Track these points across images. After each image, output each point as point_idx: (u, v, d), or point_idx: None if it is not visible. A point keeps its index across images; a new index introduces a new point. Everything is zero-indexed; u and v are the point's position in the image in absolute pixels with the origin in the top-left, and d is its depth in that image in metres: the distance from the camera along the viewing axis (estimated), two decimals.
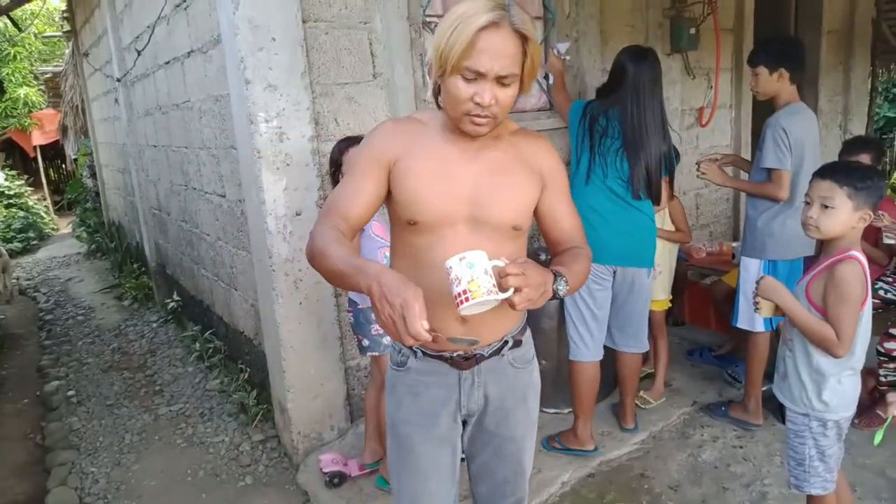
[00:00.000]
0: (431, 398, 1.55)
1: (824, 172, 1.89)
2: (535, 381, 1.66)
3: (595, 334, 2.82)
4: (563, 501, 2.66)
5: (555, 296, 1.30)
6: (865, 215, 1.83)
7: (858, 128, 6.20)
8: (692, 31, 4.25)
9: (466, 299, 1.21)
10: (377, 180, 1.46)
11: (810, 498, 2.03)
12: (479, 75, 1.30)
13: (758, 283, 1.96)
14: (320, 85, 2.91)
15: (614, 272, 2.81)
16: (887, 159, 8.21)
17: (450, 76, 1.32)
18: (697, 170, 3.13)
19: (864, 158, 3.11)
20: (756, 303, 1.96)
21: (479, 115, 1.33)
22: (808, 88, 5.72)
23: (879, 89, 9.66)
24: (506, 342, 1.54)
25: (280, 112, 2.73)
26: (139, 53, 4.62)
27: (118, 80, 5.40)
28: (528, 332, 1.64)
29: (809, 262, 2.97)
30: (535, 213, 1.53)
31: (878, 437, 1.66)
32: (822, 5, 5.52)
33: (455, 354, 1.50)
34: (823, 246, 1.94)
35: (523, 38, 1.32)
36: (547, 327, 3.12)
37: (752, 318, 3.00)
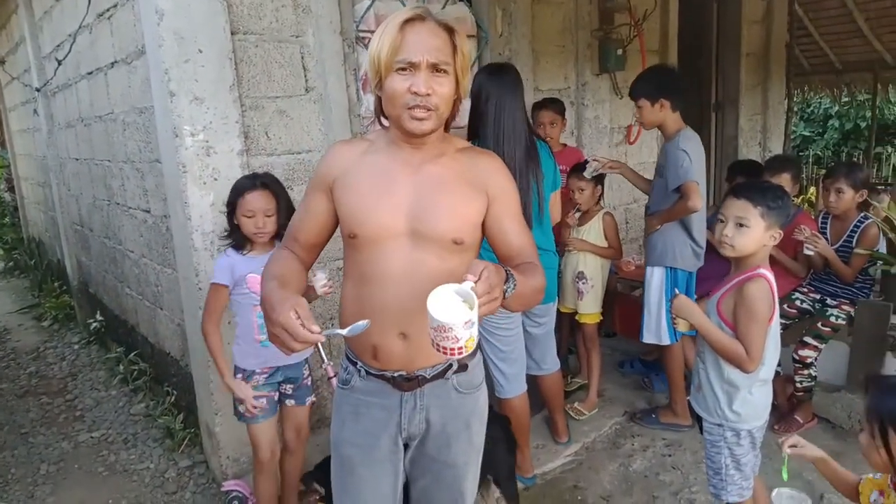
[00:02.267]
0: (373, 419, 1.54)
1: (739, 192, 1.95)
2: (481, 407, 1.62)
3: (516, 370, 2.77)
4: None
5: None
6: (776, 233, 1.91)
7: (777, 146, 6.54)
8: (619, 52, 4.40)
9: (456, 351, 1.16)
10: (321, 202, 1.51)
11: None
12: (412, 66, 1.32)
13: (672, 301, 2.01)
14: (250, 98, 2.85)
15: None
16: (804, 175, 8.68)
17: (386, 78, 1.35)
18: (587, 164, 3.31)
19: (786, 176, 3.28)
20: (673, 319, 2.02)
21: (418, 107, 1.33)
22: (729, 108, 6.01)
23: (795, 109, 10.27)
24: (450, 365, 1.51)
25: (207, 125, 2.66)
26: (60, 63, 4.43)
27: (37, 90, 5.15)
28: (478, 357, 1.61)
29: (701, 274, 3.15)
30: (484, 230, 1.51)
31: (784, 475, 1.72)
32: (740, 29, 5.82)
33: (397, 374, 1.48)
34: (734, 263, 2.00)
35: (449, 31, 1.37)
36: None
37: (657, 332, 3.10)
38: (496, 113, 2.60)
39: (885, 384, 1.48)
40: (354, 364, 1.57)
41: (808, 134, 11.00)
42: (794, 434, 1.75)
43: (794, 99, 9.06)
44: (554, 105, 3.57)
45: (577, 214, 3.40)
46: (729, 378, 1.97)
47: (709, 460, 2.08)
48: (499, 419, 2.62)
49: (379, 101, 1.44)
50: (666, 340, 3.12)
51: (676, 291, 2.04)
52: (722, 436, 2.01)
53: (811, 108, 11.12)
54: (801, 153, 10.61)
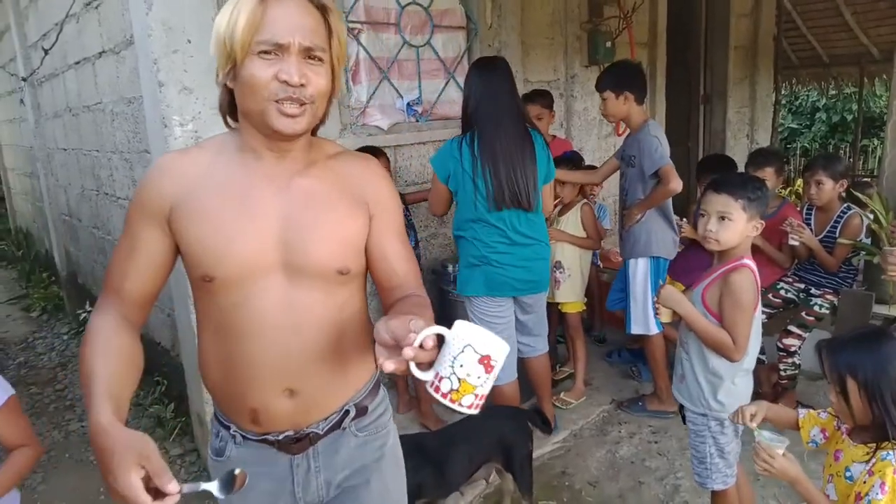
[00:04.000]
0: (261, 494, 1.25)
1: (719, 187, 1.94)
2: (391, 448, 1.36)
3: (509, 358, 2.83)
4: (488, 501, 2.71)
5: None
6: (758, 224, 1.94)
7: (764, 138, 6.60)
8: (608, 44, 4.43)
9: (476, 404, 0.91)
10: (154, 238, 1.15)
11: (714, 492, 2.13)
12: (279, 48, 1.04)
13: (658, 291, 2.03)
14: None
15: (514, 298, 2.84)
16: (790, 167, 8.77)
17: (243, 64, 1.05)
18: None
19: (769, 170, 3.32)
20: (657, 309, 2.04)
21: (290, 100, 1.05)
22: (717, 101, 6.06)
23: (783, 102, 10.34)
24: (346, 412, 1.25)
25: (196, 115, 2.66)
26: (46, 52, 4.39)
27: (24, 80, 5.11)
28: (381, 392, 1.35)
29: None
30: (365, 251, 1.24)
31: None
32: (728, 23, 5.86)
33: (283, 437, 1.21)
34: (717, 255, 2.01)
35: (323, 9, 1.10)
36: None
37: (645, 323, 3.16)
38: (486, 105, 2.61)
39: (836, 343, 1.54)
40: (227, 428, 1.25)
41: (795, 126, 11.08)
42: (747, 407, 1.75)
43: (782, 92, 9.14)
44: (541, 98, 3.58)
45: (558, 207, 3.44)
46: (713, 368, 1.99)
47: (693, 449, 2.11)
48: (517, 412, 2.66)
49: (227, 94, 1.14)
50: (654, 330, 3.17)
51: (661, 282, 2.05)
52: (706, 425, 2.04)
53: (799, 100, 11.19)
54: (788, 146, 10.69)
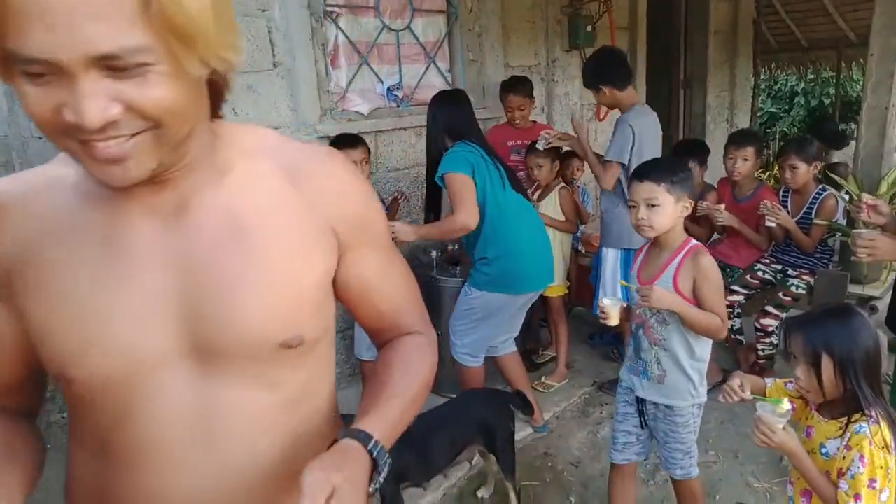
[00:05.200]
0: None
1: (640, 175, 1.95)
2: None
3: (482, 352, 2.91)
4: (472, 482, 2.74)
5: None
6: (687, 204, 1.93)
7: (744, 122, 6.65)
8: (589, 28, 4.43)
9: None
10: None
11: (684, 482, 2.13)
12: (52, 68, 0.59)
13: (643, 295, 1.91)
14: None
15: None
16: (770, 151, 8.84)
17: (6, 78, 0.62)
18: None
19: (750, 150, 3.36)
20: (604, 313, 2.03)
21: (100, 140, 0.62)
22: (697, 85, 6.09)
23: (763, 86, 10.41)
24: None
25: None
26: None
27: None
28: None
29: None
30: (337, 292, 0.88)
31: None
32: (708, 7, 5.88)
33: None
34: (657, 244, 2.00)
35: None
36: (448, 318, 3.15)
37: None
38: (459, 123, 2.76)
39: (807, 320, 1.54)
40: None
41: (775, 111, 11.15)
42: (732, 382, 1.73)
43: (762, 76, 9.20)
44: (521, 87, 3.57)
45: (538, 192, 3.45)
46: (700, 355, 2.00)
47: (679, 444, 2.07)
48: (498, 394, 2.69)
49: None
50: (706, 279, 3.22)
51: (648, 287, 1.92)
52: (692, 414, 2.04)
53: (778, 85, 11.26)
54: (768, 130, 10.76)
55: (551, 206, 3.49)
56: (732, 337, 3.36)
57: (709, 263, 1.92)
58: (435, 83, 3.69)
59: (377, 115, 3.48)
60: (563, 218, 3.47)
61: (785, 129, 11.05)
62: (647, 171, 1.94)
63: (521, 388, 3.06)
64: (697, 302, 1.93)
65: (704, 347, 2.01)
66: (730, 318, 3.30)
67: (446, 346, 3.19)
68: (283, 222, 0.78)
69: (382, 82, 3.49)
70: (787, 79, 10.85)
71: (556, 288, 3.49)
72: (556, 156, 3.55)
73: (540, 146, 3.35)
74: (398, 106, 3.57)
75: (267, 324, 0.76)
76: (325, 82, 3.25)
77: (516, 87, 3.56)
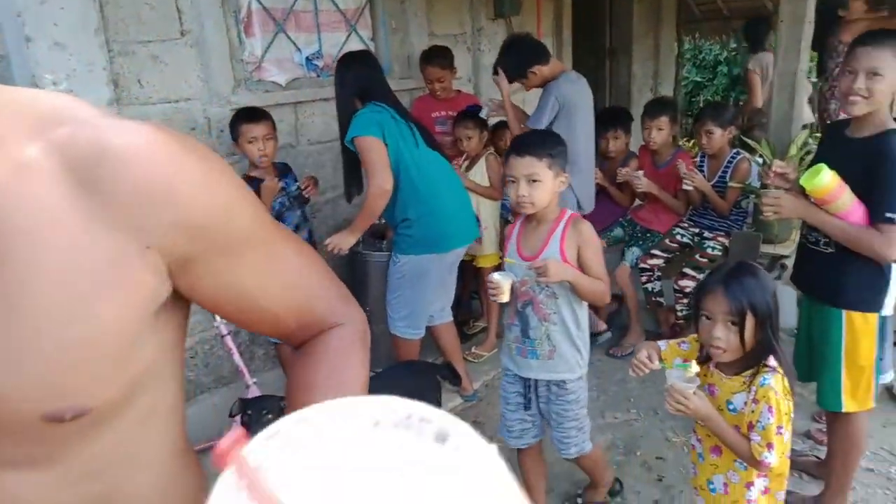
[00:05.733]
0: None
1: (520, 150, 1.90)
2: None
3: (425, 314, 2.90)
4: None
5: None
6: (563, 178, 1.93)
7: (668, 91, 6.80)
8: None
9: None
10: None
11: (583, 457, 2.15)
12: None
13: (539, 270, 1.86)
14: (119, 43, 2.66)
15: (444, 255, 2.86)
16: (691, 118, 9.09)
17: None
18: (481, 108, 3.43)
19: (664, 119, 3.44)
20: (495, 289, 1.94)
21: None
22: (622, 54, 6.17)
23: (687, 56, 10.65)
24: None
25: (70, 73, 2.47)
26: None
27: None
28: None
29: None
30: (207, 308, 0.69)
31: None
32: None
33: None
34: (535, 215, 1.96)
35: None
36: (377, 292, 3.12)
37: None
38: (370, 83, 2.74)
39: (725, 279, 1.55)
40: None
41: (699, 80, 11.45)
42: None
43: (686, 45, 9.39)
44: (439, 59, 3.52)
45: (465, 163, 3.44)
46: (583, 325, 2.02)
47: (573, 421, 2.05)
48: (424, 366, 2.68)
49: None
50: (590, 246, 3.30)
51: (541, 260, 1.88)
52: (581, 387, 2.05)
53: (702, 54, 11.55)
54: (693, 99, 11.05)
55: (479, 173, 3.48)
56: (653, 299, 3.46)
57: (590, 230, 1.96)
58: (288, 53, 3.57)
59: (296, 86, 3.37)
60: (489, 185, 3.47)
61: (709, 97, 11.36)
62: (527, 146, 1.90)
63: (454, 357, 3.07)
64: (582, 269, 1.93)
65: (585, 316, 2.04)
66: (650, 282, 3.42)
67: (376, 322, 3.17)
68: (57, 245, 0.53)
69: (300, 51, 3.37)
70: (711, 48, 11.14)
71: (489, 257, 3.51)
72: (485, 127, 3.54)
73: (484, 114, 3.35)
74: (318, 76, 3.46)
75: (16, 392, 0.53)
76: (238, 51, 3.12)
77: (434, 58, 3.51)
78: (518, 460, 2.20)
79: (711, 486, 1.65)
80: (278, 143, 2.97)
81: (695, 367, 1.55)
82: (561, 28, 5.07)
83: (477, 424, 2.90)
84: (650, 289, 3.45)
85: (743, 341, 1.52)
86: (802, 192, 2.01)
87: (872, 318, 2.04)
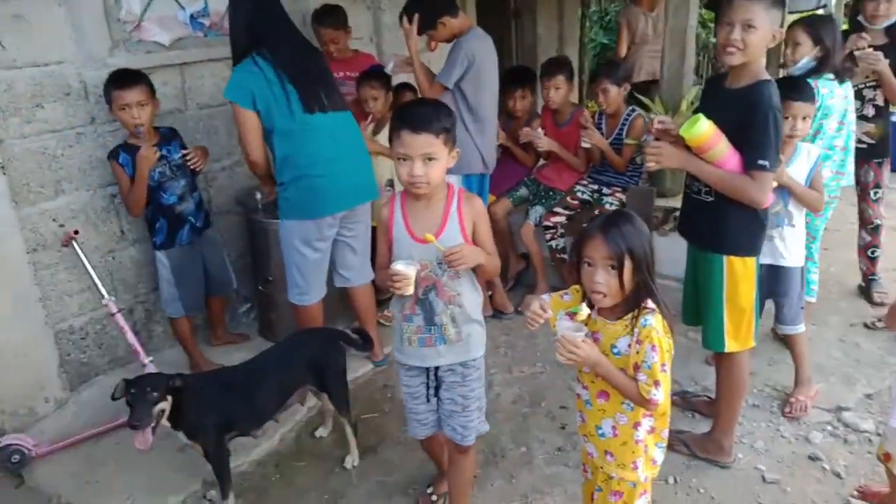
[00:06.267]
0: None
1: (415, 125, 1.71)
2: None
3: (317, 280, 2.82)
4: (311, 424, 2.71)
5: None
6: (455, 152, 1.82)
7: (573, 53, 6.87)
8: None
9: None
10: None
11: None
12: None
13: (455, 257, 1.74)
14: None
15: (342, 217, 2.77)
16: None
17: None
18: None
19: (560, 78, 3.48)
20: (399, 281, 1.74)
21: None
22: (527, 15, 6.19)
23: (594, 18, 10.80)
24: None
25: None
26: None
27: None
28: None
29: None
30: None
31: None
32: None
33: None
34: (425, 198, 1.81)
35: None
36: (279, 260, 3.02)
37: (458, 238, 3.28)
38: (262, 20, 2.56)
39: (603, 226, 1.56)
40: None
41: (606, 42, 11.67)
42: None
43: (592, 7, 9.50)
44: (330, 19, 3.40)
45: (371, 125, 3.36)
46: (477, 302, 1.95)
47: (477, 401, 1.99)
48: (326, 332, 2.62)
49: None
50: (483, 222, 3.29)
51: (458, 246, 1.76)
52: (483, 363, 2.01)
53: (609, 16, 11.76)
54: (601, 61, 11.28)
55: (386, 136, 3.41)
56: (558, 256, 3.54)
57: (481, 204, 1.90)
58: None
59: (181, 46, 3.17)
60: None
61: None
62: (424, 122, 1.71)
63: (367, 321, 3.04)
64: (476, 244, 1.85)
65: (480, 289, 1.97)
66: (554, 239, 3.49)
67: (280, 291, 3.09)
68: None
69: (184, 9, 3.16)
70: (616, 9, 11.36)
71: None
72: (390, 87, 3.46)
73: (388, 70, 3.27)
74: (205, 35, 3.27)
75: None
76: (114, 10, 2.89)
77: (325, 17, 3.40)
78: (425, 446, 2.18)
79: (600, 432, 1.70)
80: (159, 107, 2.80)
81: (585, 310, 1.58)
82: None
83: (388, 388, 2.91)
84: (554, 245, 3.52)
85: (622, 285, 1.56)
86: (683, 144, 2.08)
87: (751, 262, 2.16)
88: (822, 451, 2.42)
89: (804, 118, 2.40)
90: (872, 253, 3.44)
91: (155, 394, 1.95)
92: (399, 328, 1.94)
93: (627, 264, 1.54)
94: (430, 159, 1.72)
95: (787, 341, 2.75)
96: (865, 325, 3.22)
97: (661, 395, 1.56)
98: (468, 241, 1.82)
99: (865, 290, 3.50)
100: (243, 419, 2.22)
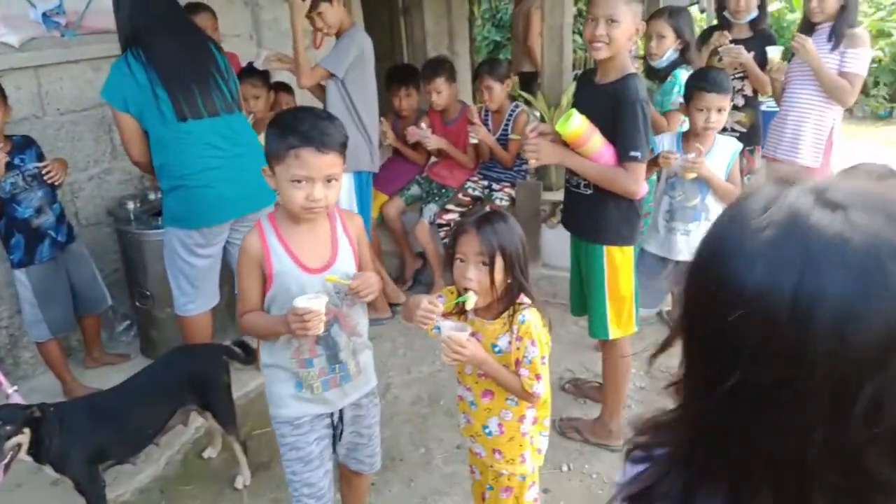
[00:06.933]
0: None
1: (320, 144, 1.50)
2: None
3: (207, 288, 2.65)
4: (199, 444, 2.57)
5: None
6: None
7: (463, 50, 6.93)
8: None
9: None
10: None
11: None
12: None
13: (363, 288, 1.59)
14: None
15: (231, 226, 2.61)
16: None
17: None
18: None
19: (440, 80, 3.47)
20: (309, 320, 1.51)
21: None
22: (414, 12, 6.17)
23: (486, 15, 10.98)
24: None
25: None
26: None
27: None
28: None
29: None
30: None
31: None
32: None
33: None
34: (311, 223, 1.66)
35: None
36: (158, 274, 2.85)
37: None
38: (142, 13, 2.38)
39: (477, 225, 1.55)
40: None
41: (498, 39, 11.89)
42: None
43: (483, 5, 9.63)
44: (198, 10, 3.20)
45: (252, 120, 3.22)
46: (367, 320, 1.83)
47: (378, 426, 1.89)
48: (206, 347, 2.47)
49: None
50: (364, 239, 3.23)
51: (355, 279, 1.60)
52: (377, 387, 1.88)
53: (500, 14, 11.98)
54: (494, 58, 11.48)
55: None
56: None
57: (362, 220, 1.81)
58: (108, 8, 3.17)
59: (35, 47, 2.91)
60: None
61: (509, 56, 11.88)
62: (329, 140, 1.51)
63: None
64: (361, 262, 1.73)
65: None
66: (448, 237, 3.49)
67: (161, 307, 2.92)
68: None
69: (35, 7, 2.90)
70: (507, 7, 11.58)
71: None
72: (270, 85, 3.33)
73: (259, 64, 3.14)
74: (62, 35, 3.02)
75: None
76: None
77: (195, 9, 3.21)
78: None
79: (487, 430, 1.70)
80: (11, 114, 2.56)
81: (472, 297, 1.57)
82: None
83: None
84: (448, 242, 3.52)
85: (493, 282, 1.56)
86: (561, 140, 2.12)
87: (629, 251, 2.24)
88: None
89: (719, 110, 2.46)
90: None
91: (8, 427, 1.77)
92: (288, 378, 1.66)
93: (499, 262, 1.55)
94: (331, 180, 1.54)
95: None
96: None
97: (543, 388, 1.59)
98: (359, 264, 1.69)
99: None
100: (117, 446, 2.06)
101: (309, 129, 1.50)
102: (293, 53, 2.99)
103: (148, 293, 2.95)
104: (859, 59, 2.88)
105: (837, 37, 2.89)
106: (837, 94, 2.91)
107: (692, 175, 2.47)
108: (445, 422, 2.66)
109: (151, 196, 3.10)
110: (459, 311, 1.65)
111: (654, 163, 2.48)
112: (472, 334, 1.61)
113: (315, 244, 1.64)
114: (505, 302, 1.60)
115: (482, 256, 1.54)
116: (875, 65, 7.78)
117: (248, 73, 3.22)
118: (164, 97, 2.34)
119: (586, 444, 2.47)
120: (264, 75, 3.26)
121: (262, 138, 3.16)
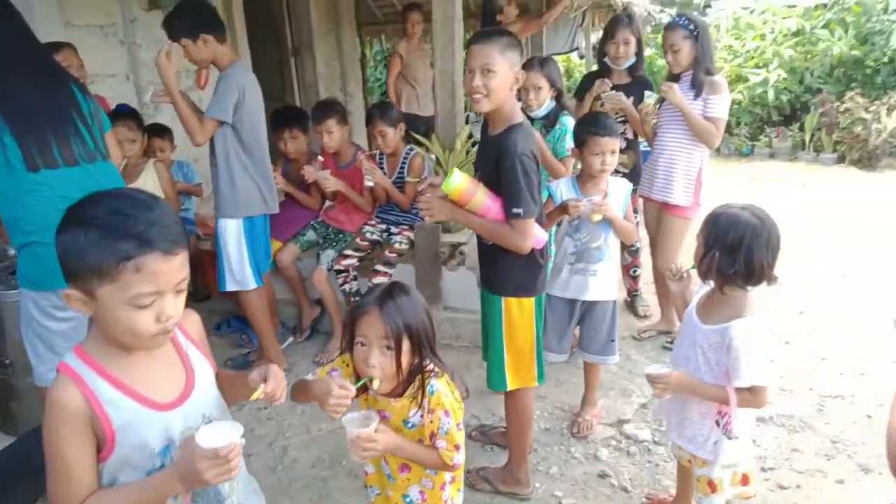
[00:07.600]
0: None
1: (171, 249, 1.10)
2: None
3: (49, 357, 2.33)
4: None
5: None
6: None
7: (356, 91, 6.92)
8: None
9: None
10: None
11: None
12: None
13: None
14: None
15: None
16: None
17: None
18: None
19: (331, 122, 3.39)
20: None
21: None
22: (305, 53, 6.09)
23: (378, 57, 11.07)
24: None
25: None
26: None
27: None
28: None
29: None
30: None
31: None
32: None
33: None
34: None
35: None
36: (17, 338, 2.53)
37: (242, 280, 3.07)
38: None
39: (382, 305, 1.43)
40: None
41: None
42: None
43: (375, 47, 9.69)
44: (59, 48, 2.95)
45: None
46: None
47: None
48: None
49: None
50: (252, 285, 3.08)
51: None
52: None
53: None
54: (387, 100, 11.55)
55: (151, 183, 3.08)
56: (352, 300, 3.42)
57: (195, 313, 1.36)
58: None
59: None
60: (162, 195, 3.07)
61: None
62: (177, 240, 1.12)
63: None
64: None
65: None
66: (347, 283, 3.38)
67: (21, 376, 2.60)
68: None
69: None
70: None
71: None
72: (144, 129, 3.12)
73: (147, 99, 2.93)
74: None
75: None
76: None
77: (59, 46, 2.96)
78: None
79: (408, 500, 1.59)
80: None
81: (376, 382, 1.43)
82: (232, 20, 4.76)
83: None
84: (348, 290, 3.40)
85: (400, 366, 1.43)
86: None
87: (528, 303, 2.18)
88: (609, 467, 2.54)
89: (612, 152, 2.54)
90: (634, 272, 3.82)
91: None
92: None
93: (405, 344, 1.42)
94: (180, 291, 1.15)
95: (585, 366, 2.82)
96: (634, 338, 3.53)
97: (462, 457, 1.52)
98: (214, 365, 1.34)
99: (631, 305, 3.86)
100: None
101: (145, 228, 1.08)
102: (181, 114, 2.81)
103: (7, 361, 2.61)
104: (720, 103, 3.10)
105: (698, 85, 3.10)
106: (705, 137, 3.11)
107: (598, 217, 2.52)
108: (348, 483, 2.50)
109: (11, 252, 2.78)
110: (362, 389, 1.49)
111: (562, 209, 2.52)
112: (380, 412, 1.50)
113: (159, 369, 1.21)
114: (411, 379, 1.49)
115: (387, 340, 1.40)
116: (736, 106, 8.53)
117: (123, 115, 3.01)
118: (11, 145, 2.07)
119: (496, 495, 2.40)
120: (139, 118, 3.06)
121: (141, 183, 3.01)
